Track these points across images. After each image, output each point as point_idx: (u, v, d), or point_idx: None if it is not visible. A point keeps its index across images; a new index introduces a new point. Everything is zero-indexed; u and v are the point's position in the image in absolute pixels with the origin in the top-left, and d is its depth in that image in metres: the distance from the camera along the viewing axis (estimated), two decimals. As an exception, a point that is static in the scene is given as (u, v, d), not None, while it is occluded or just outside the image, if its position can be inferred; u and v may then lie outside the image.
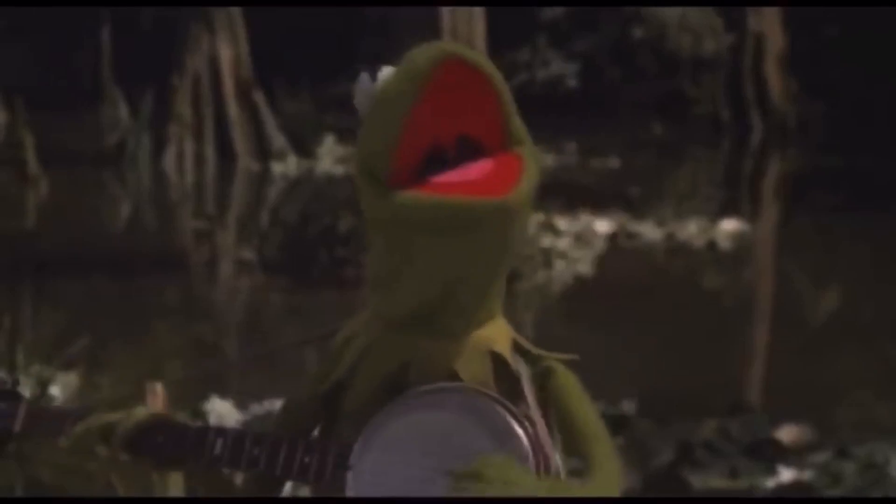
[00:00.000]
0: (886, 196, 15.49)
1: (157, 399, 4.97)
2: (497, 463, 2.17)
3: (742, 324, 10.69)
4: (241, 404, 7.27)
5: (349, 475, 2.23)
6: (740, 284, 12.39)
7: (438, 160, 2.22)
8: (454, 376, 2.27)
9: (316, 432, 2.37)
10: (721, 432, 7.01)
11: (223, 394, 7.27)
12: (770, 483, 6.58)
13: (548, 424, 2.31)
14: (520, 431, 2.22)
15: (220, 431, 2.30)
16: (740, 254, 13.05)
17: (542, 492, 2.16)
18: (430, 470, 2.21)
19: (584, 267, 11.96)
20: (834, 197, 16.10)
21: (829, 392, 8.43)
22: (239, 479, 2.38)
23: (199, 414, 7.05)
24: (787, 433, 7.05)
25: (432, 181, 2.20)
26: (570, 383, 2.35)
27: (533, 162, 2.25)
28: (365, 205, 2.26)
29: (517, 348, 2.34)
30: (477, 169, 2.23)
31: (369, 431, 2.25)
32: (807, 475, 6.63)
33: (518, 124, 2.27)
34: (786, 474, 6.61)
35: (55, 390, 7.20)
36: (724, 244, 13.02)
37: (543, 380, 2.34)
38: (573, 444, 2.32)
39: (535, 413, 2.29)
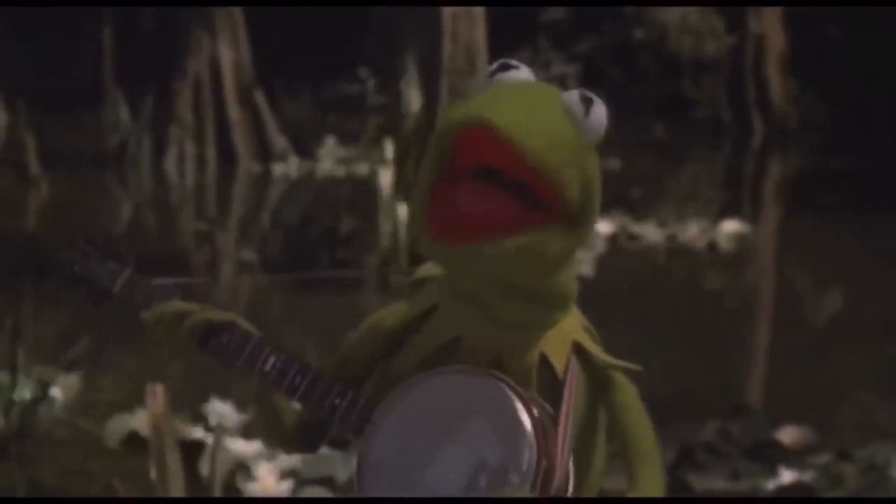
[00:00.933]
0: (888, 197, 15.48)
1: (157, 400, 4.98)
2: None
3: (743, 325, 10.69)
4: (241, 406, 7.26)
5: (368, 428, 2.31)
6: (741, 286, 12.39)
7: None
8: (499, 363, 2.27)
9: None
10: (722, 434, 7.01)
11: (224, 396, 7.27)
12: (771, 485, 6.57)
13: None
14: (526, 422, 2.22)
15: (275, 351, 2.42)
16: (741, 255, 13.05)
17: None
18: (434, 448, 2.25)
19: (586, 268, 11.95)
20: (835, 198, 16.09)
21: (830, 394, 8.42)
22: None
23: (200, 416, 7.05)
24: (788, 435, 7.05)
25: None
26: (629, 396, 2.34)
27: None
28: None
29: (577, 350, 2.32)
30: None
31: (396, 394, 2.31)
32: (808, 477, 6.63)
33: None
34: (787, 476, 6.60)
35: (56, 391, 7.20)
36: (726, 245, 13.01)
37: (602, 389, 2.33)
38: (626, 458, 2.32)
39: (564, 414, 2.28)
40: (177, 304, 2.50)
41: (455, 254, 2.17)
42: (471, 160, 2.16)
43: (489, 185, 2.15)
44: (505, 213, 2.15)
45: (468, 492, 2.19)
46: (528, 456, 2.21)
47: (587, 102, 2.24)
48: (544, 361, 2.29)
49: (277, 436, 2.49)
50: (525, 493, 2.18)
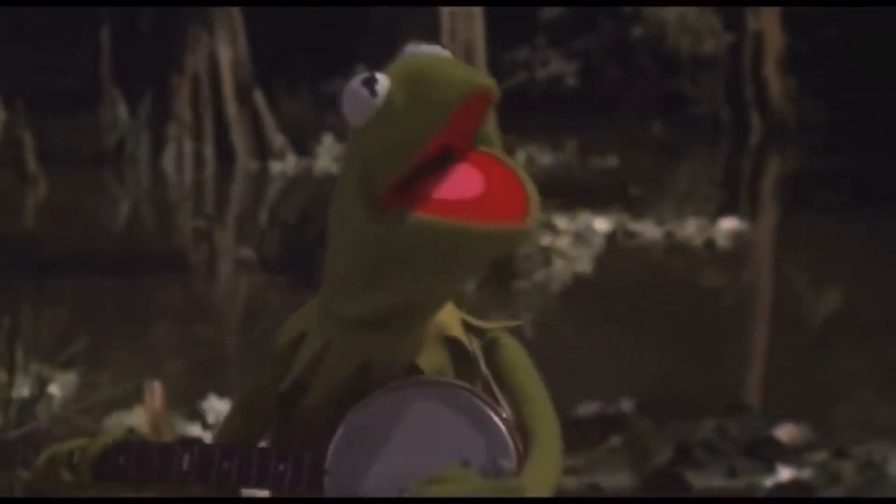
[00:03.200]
0: (886, 196, 15.48)
1: (155, 398, 4.98)
2: (452, 471, 2.16)
3: (741, 323, 10.69)
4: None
5: (326, 479, 2.21)
6: (739, 284, 12.39)
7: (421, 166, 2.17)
8: (415, 369, 2.26)
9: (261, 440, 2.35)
10: (719, 432, 7.01)
11: (221, 393, 7.27)
12: (768, 482, 6.58)
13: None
14: (495, 417, 2.22)
15: (187, 445, 2.24)
16: (739, 253, 13.05)
17: (487, 491, 2.14)
18: (413, 465, 2.20)
19: (584, 266, 11.96)
20: (833, 197, 16.10)
21: (827, 391, 8.43)
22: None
23: (197, 413, 7.05)
24: (785, 432, 7.05)
25: (429, 198, 2.15)
26: (511, 352, 2.33)
27: (526, 176, 2.21)
28: (355, 219, 2.20)
29: (467, 326, 2.33)
30: (466, 180, 2.18)
31: (342, 433, 2.22)
32: (805, 475, 6.63)
33: (491, 128, 2.25)
34: (784, 474, 6.61)
35: (54, 389, 7.20)
36: (724, 243, 13.02)
37: (490, 352, 2.33)
38: (513, 409, 2.29)
39: (497, 391, 2.29)
40: (57, 449, 2.32)
41: (427, 223, 2.15)
42: (473, 124, 2.19)
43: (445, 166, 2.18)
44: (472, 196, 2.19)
45: None
46: (509, 443, 2.21)
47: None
48: (453, 343, 2.28)
49: None
50: (515, 475, 2.19)
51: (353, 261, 2.22)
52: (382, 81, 2.18)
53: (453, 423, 2.22)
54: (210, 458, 2.22)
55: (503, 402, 2.28)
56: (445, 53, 2.24)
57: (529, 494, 2.18)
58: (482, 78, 2.15)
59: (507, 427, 2.23)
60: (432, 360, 2.27)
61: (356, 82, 2.20)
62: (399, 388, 2.24)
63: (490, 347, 2.33)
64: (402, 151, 2.14)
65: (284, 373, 2.32)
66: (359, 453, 2.22)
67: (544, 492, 2.21)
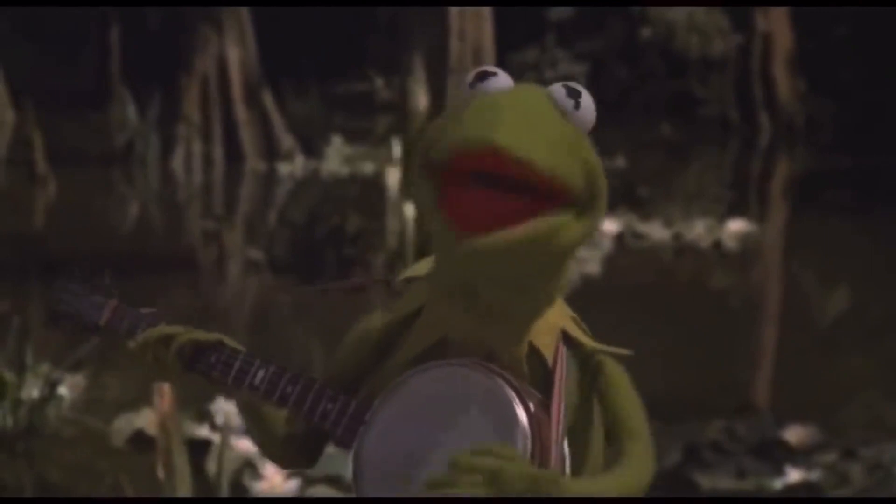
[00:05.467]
0: (895, 196, 15.47)
1: (164, 399, 4.99)
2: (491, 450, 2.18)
3: (749, 324, 10.69)
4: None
5: (361, 429, 2.34)
6: (748, 285, 12.39)
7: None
8: (489, 358, 2.30)
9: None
10: (728, 433, 7.02)
11: (229, 395, 7.28)
12: (777, 483, 6.58)
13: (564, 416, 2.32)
14: (523, 417, 2.23)
15: (264, 364, 2.44)
16: (748, 254, 13.05)
17: (524, 476, 2.15)
18: (429, 442, 2.28)
19: (592, 267, 11.96)
20: (842, 197, 16.08)
21: (836, 393, 8.42)
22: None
23: (206, 414, 7.06)
24: (794, 434, 7.05)
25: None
26: (617, 380, 2.36)
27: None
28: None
29: (566, 339, 2.35)
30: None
31: (388, 392, 2.33)
32: (814, 476, 6.63)
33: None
34: (793, 475, 6.60)
35: (63, 390, 7.21)
36: (732, 244, 13.01)
37: (593, 374, 2.35)
38: (613, 439, 2.34)
39: (556, 402, 2.30)
40: (161, 329, 2.50)
41: (480, 246, 2.19)
42: (472, 168, 2.21)
43: (492, 187, 2.20)
44: (516, 206, 2.20)
45: None
46: (524, 444, 2.22)
47: (574, 95, 2.27)
48: (534, 351, 2.32)
49: (269, 451, 2.51)
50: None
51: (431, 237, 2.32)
52: (503, 80, 2.31)
53: (478, 409, 2.26)
54: (278, 380, 2.42)
55: (556, 408, 2.29)
56: (506, 81, 2.29)
57: (566, 494, 2.17)
58: (485, 132, 2.18)
59: (531, 423, 2.24)
60: (509, 353, 2.30)
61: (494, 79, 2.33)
62: (445, 365, 2.30)
63: (595, 370, 2.36)
64: (430, 194, 2.26)
65: (388, 314, 2.41)
66: (392, 416, 2.31)
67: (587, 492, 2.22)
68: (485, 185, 2.19)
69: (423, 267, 2.42)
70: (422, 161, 2.25)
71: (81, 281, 2.72)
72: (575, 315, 2.42)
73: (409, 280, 2.44)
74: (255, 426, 2.51)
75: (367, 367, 2.42)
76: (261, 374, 2.43)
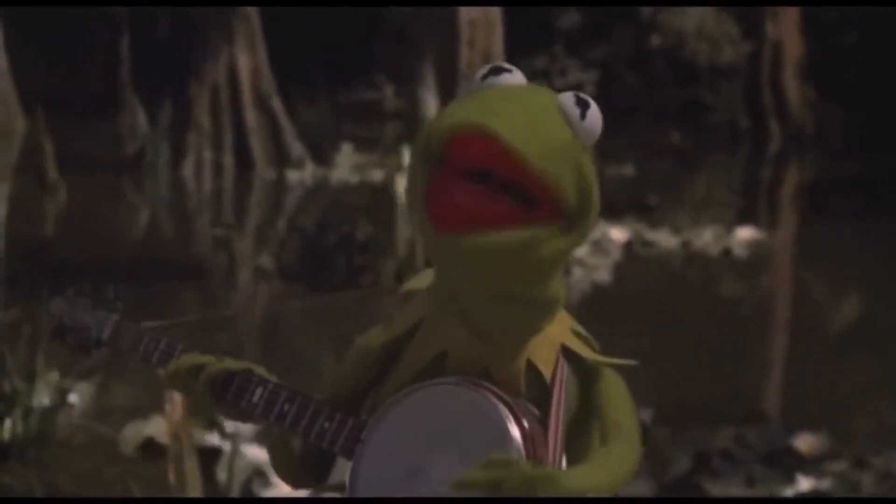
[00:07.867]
0: (904, 204, 15.46)
1: (175, 407, 5.00)
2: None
3: (759, 332, 10.68)
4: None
5: (357, 447, 2.33)
6: (757, 292, 12.38)
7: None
8: (487, 374, 2.28)
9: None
10: (738, 441, 7.01)
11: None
12: (788, 492, 6.57)
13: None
14: (516, 435, 2.23)
15: (262, 381, 2.43)
16: (757, 262, 13.04)
17: (528, 475, 2.12)
18: (424, 461, 2.27)
19: (602, 275, 11.96)
20: (852, 204, 16.07)
21: (846, 401, 8.42)
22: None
23: (216, 422, 7.07)
24: (804, 442, 7.04)
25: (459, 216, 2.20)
26: (613, 388, 2.32)
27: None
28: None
29: (567, 353, 2.32)
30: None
31: (384, 410, 2.32)
32: (824, 484, 6.63)
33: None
34: (803, 483, 6.60)
35: (73, 398, 7.22)
36: (741, 252, 13.01)
37: (589, 382, 2.33)
38: (602, 440, 2.29)
39: (554, 418, 2.28)
40: (192, 358, 2.48)
41: (456, 244, 2.17)
42: (464, 162, 2.17)
43: (482, 184, 2.17)
44: (501, 210, 2.16)
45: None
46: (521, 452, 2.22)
47: (583, 105, 2.23)
48: (532, 368, 2.29)
49: (283, 471, 2.50)
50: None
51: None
52: (516, 77, 2.35)
53: (473, 428, 2.24)
54: (276, 397, 2.40)
55: (553, 424, 2.28)
56: (519, 79, 2.28)
57: (564, 485, 2.14)
58: (481, 117, 2.15)
59: (525, 441, 2.23)
60: (505, 372, 2.27)
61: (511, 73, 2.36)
62: (440, 384, 2.28)
63: (591, 377, 2.32)
64: (419, 184, 2.22)
65: (387, 329, 2.38)
66: (389, 433, 2.31)
67: (580, 486, 2.19)
68: (474, 181, 2.15)
69: (424, 279, 2.39)
70: (421, 149, 2.21)
71: (85, 295, 2.73)
72: (579, 327, 2.38)
73: (409, 294, 2.41)
74: (273, 448, 2.48)
75: (368, 384, 2.39)
76: (259, 391, 2.41)
